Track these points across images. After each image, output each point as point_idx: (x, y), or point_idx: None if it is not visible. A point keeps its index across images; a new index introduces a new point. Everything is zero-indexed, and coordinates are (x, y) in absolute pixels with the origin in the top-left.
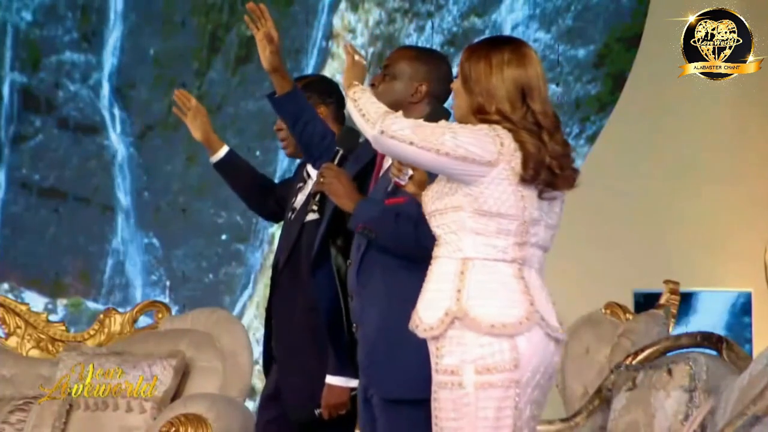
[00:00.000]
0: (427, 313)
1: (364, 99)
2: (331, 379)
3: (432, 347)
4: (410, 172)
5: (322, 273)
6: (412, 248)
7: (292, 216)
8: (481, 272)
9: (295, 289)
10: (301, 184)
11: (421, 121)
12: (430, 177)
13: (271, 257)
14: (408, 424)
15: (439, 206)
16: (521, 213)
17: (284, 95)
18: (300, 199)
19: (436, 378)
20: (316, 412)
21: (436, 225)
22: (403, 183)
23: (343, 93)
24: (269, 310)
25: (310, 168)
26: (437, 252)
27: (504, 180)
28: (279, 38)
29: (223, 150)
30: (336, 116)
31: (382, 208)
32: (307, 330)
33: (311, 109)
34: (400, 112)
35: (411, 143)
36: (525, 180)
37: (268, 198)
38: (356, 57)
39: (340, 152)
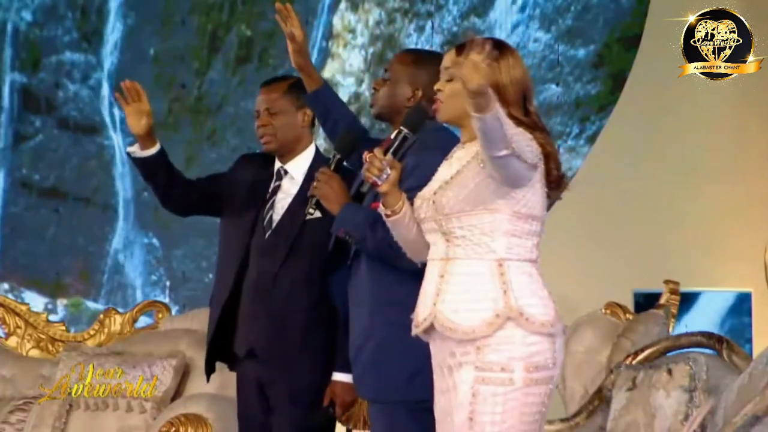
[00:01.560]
0: (462, 315)
1: (509, 123)
2: (341, 377)
3: (467, 347)
4: (389, 171)
5: (340, 272)
6: (387, 252)
7: (273, 214)
8: (517, 272)
9: (298, 289)
10: (278, 183)
11: (515, 129)
12: (405, 177)
13: None
14: (392, 425)
15: (467, 207)
16: (544, 214)
17: (311, 93)
18: (281, 197)
19: (475, 374)
20: (330, 410)
21: (458, 226)
22: (380, 183)
23: (476, 89)
24: (228, 310)
25: (289, 166)
26: (453, 253)
27: (538, 182)
28: (304, 37)
29: (155, 148)
30: (314, 117)
31: (363, 214)
32: (310, 329)
33: (341, 107)
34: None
35: (518, 157)
36: (551, 182)
37: (188, 194)
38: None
39: (337, 156)
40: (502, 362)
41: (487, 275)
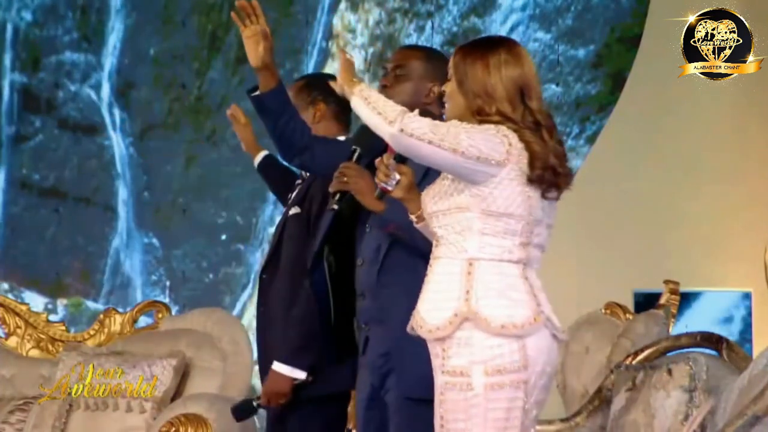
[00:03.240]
0: (432, 314)
1: (375, 97)
2: (277, 366)
3: (436, 348)
4: (397, 176)
5: (319, 271)
6: None
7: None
8: (487, 272)
9: (274, 284)
10: (299, 182)
11: (437, 120)
12: (418, 182)
13: None
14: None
15: (442, 207)
16: (527, 213)
17: (272, 91)
18: (293, 196)
19: (442, 379)
20: (254, 403)
21: (438, 225)
22: (390, 189)
23: (343, 92)
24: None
25: None
26: (437, 252)
27: (513, 180)
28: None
29: (261, 155)
30: (336, 115)
31: None
32: (287, 326)
33: (292, 104)
34: (417, 111)
35: (429, 142)
36: (532, 180)
37: None
38: (347, 55)
39: (358, 151)
40: (461, 366)
41: (457, 275)
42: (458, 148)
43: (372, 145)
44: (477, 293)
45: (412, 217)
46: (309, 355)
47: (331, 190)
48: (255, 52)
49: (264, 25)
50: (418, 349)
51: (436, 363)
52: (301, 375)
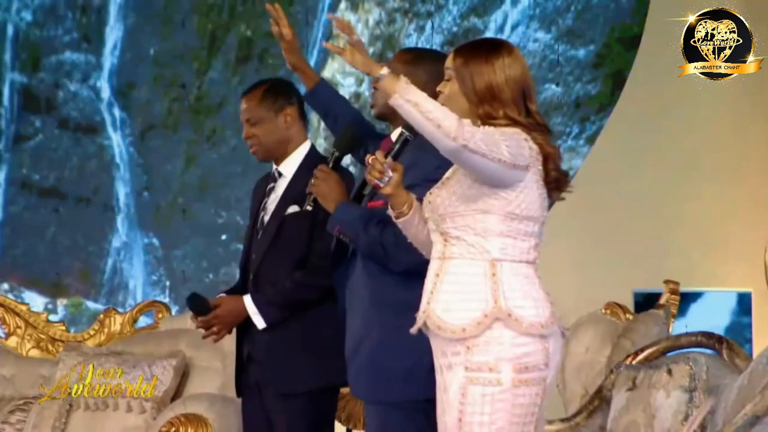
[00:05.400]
0: (453, 315)
1: (424, 102)
2: (248, 301)
3: (457, 347)
4: (390, 174)
5: (340, 272)
6: (377, 252)
7: (264, 216)
8: (509, 273)
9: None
10: (272, 184)
11: (483, 128)
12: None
13: None
14: (386, 426)
15: (460, 208)
16: (542, 215)
17: (308, 92)
18: (272, 198)
19: (465, 375)
20: (209, 305)
21: (453, 226)
22: (382, 185)
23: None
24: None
25: (282, 167)
26: (449, 252)
27: (534, 184)
28: (294, 36)
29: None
30: (301, 114)
31: (359, 213)
32: (289, 326)
33: (340, 102)
34: (468, 120)
35: (484, 155)
36: (547, 182)
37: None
38: (355, 37)
39: (335, 154)
40: (490, 363)
41: (480, 275)
42: (502, 158)
43: (351, 149)
44: (505, 294)
45: (394, 213)
46: (278, 315)
47: (307, 191)
48: (283, 54)
49: (283, 27)
50: (374, 354)
51: (453, 360)
52: (261, 323)
